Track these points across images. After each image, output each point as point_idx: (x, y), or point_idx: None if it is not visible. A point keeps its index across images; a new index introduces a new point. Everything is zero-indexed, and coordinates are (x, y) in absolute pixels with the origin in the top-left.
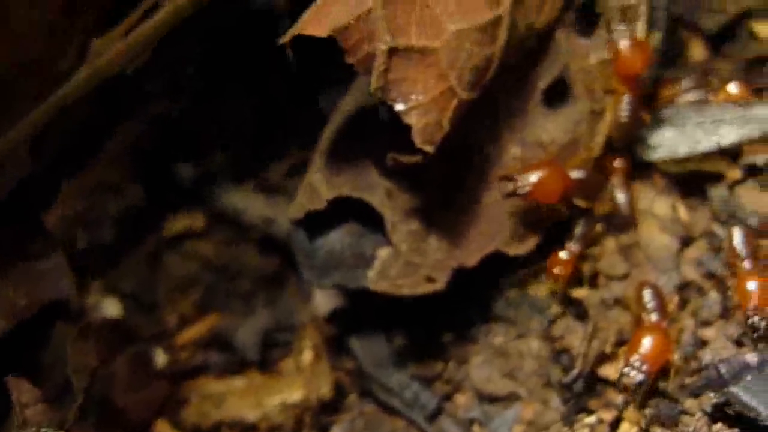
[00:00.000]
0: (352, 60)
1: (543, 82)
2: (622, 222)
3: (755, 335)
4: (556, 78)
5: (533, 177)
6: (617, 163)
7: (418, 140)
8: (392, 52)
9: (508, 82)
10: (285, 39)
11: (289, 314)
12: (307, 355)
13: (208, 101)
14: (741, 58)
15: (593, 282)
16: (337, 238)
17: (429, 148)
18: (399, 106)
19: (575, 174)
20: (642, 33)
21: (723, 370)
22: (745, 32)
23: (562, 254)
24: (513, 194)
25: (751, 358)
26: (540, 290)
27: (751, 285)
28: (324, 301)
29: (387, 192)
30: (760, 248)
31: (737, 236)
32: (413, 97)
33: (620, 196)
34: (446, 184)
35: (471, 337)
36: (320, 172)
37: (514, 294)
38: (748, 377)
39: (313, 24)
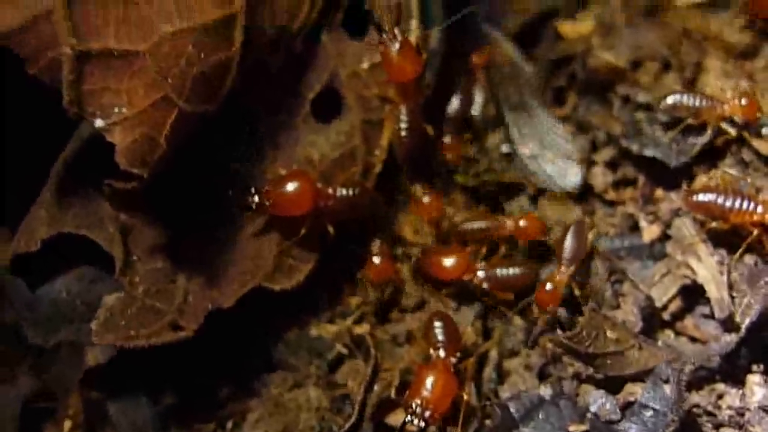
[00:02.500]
0: (33, 70)
1: (311, 92)
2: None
3: None
4: (325, 86)
5: (277, 189)
6: None
7: (123, 161)
8: (83, 57)
9: (269, 92)
10: None
11: (59, 377)
12: (67, 425)
13: None
14: (546, 58)
15: (385, 315)
16: (63, 286)
17: (140, 171)
18: (99, 122)
19: (342, 191)
20: (415, 34)
21: (513, 409)
22: (550, 33)
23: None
24: (251, 208)
25: (545, 391)
26: (322, 329)
27: None
28: (94, 358)
29: (123, 227)
30: None
31: None
32: (116, 110)
33: None
34: (199, 213)
35: (250, 388)
36: (45, 209)
37: (293, 336)
38: (540, 415)
39: None
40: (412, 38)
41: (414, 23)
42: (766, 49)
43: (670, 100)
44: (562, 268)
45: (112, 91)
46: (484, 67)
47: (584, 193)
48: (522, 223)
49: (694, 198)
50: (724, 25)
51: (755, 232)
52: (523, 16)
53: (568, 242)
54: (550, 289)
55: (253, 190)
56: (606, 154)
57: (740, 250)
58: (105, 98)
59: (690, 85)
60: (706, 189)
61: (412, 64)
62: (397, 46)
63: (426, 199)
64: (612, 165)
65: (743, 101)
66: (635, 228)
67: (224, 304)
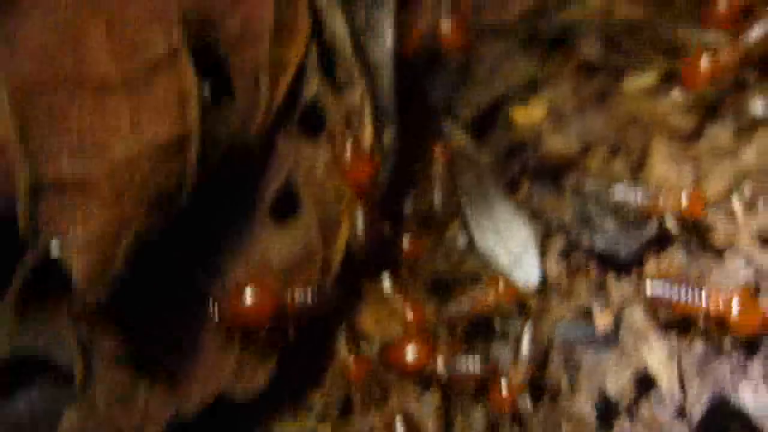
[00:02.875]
0: None
1: (269, 194)
2: None
3: None
4: (282, 187)
5: (237, 303)
6: None
7: (80, 285)
8: (38, 186)
9: (226, 196)
10: None
11: None
12: None
13: None
14: (500, 146)
15: (348, 409)
16: (25, 404)
17: (97, 293)
18: (54, 249)
19: (301, 294)
20: (368, 139)
21: None
22: (503, 120)
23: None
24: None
25: None
26: (285, 429)
27: None
28: None
29: (83, 341)
30: None
31: None
32: (71, 235)
33: None
34: (159, 321)
35: None
36: (2, 326)
37: None
38: None
39: None
40: (366, 138)
41: (367, 123)
42: (710, 132)
43: (616, 192)
44: (518, 371)
45: (68, 218)
46: (445, 160)
47: (540, 282)
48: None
49: (650, 290)
50: (670, 109)
51: (702, 320)
52: (477, 105)
53: (524, 344)
54: (505, 392)
55: (212, 302)
56: (559, 242)
57: (690, 337)
58: (60, 225)
59: (637, 170)
60: (658, 278)
61: (364, 165)
62: (349, 147)
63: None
64: (564, 253)
65: (687, 200)
66: (588, 316)
67: (186, 411)
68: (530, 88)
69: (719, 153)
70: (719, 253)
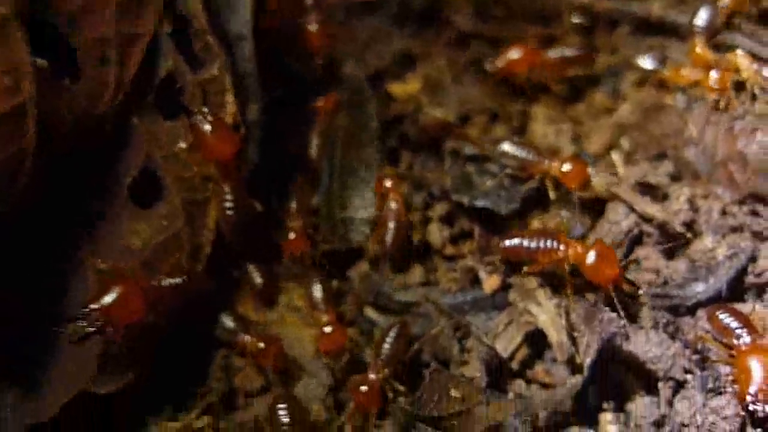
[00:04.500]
0: None
1: (127, 177)
2: None
3: None
4: (142, 170)
5: (103, 302)
6: None
7: None
8: None
9: (82, 181)
10: None
11: None
12: None
13: None
14: (379, 119)
15: (232, 402)
16: None
17: None
18: None
19: (169, 281)
20: (230, 114)
21: None
22: (381, 94)
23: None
24: (85, 337)
25: None
26: (162, 428)
27: None
28: None
29: None
30: None
31: None
32: None
33: None
34: (13, 322)
35: None
36: None
37: None
38: None
39: None
40: (228, 113)
41: (229, 98)
42: (589, 94)
43: (504, 146)
44: (378, 370)
45: None
46: (330, 111)
47: (425, 251)
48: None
49: (503, 245)
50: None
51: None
52: (351, 82)
53: (387, 344)
54: (365, 392)
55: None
56: (441, 209)
57: (568, 291)
58: None
59: (517, 134)
60: (512, 235)
61: (227, 142)
62: (210, 124)
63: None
64: (448, 220)
65: (568, 168)
66: (476, 281)
67: (44, 416)
68: (406, 63)
69: (598, 112)
70: (602, 204)
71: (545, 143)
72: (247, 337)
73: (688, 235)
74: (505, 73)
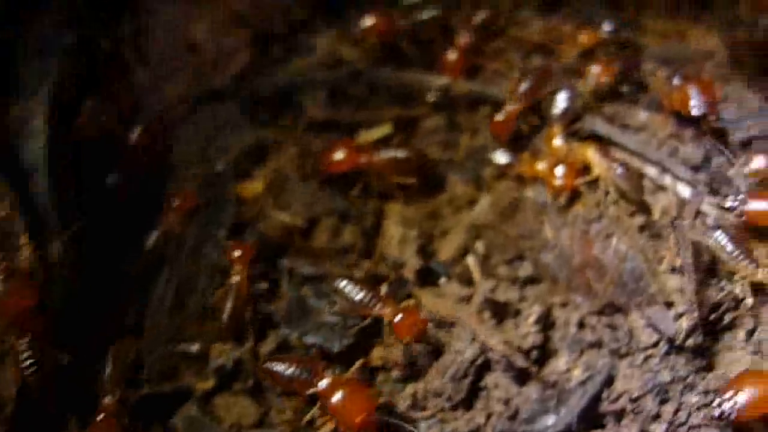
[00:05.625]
0: None
1: None
2: None
3: None
4: None
5: None
6: None
7: None
8: None
9: None
10: None
11: None
12: None
13: None
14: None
15: None
16: None
17: None
18: None
19: None
20: (25, 254)
21: None
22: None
23: None
24: None
25: None
26: None
27: None
28: None
29: None
30: None
31: None
32: None
33: None
34: None
35: None
36: None
37: None
38: None
39: None
40: (23, 259)
41: (23, 240)
42: (451, 182)
43: (339, 284)
44: None
45: None
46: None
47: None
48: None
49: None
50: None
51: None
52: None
53: None
54: None
55: None
56: (272, 341)
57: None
58: None
59: (371, 236)
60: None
61: (20, 296)
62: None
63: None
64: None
65: (400, 320)
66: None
67: None
68: (259, 156)
69: (459, 206)
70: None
71: (393, 255)
72: None
73: (532, 369)
74: (332, 171)
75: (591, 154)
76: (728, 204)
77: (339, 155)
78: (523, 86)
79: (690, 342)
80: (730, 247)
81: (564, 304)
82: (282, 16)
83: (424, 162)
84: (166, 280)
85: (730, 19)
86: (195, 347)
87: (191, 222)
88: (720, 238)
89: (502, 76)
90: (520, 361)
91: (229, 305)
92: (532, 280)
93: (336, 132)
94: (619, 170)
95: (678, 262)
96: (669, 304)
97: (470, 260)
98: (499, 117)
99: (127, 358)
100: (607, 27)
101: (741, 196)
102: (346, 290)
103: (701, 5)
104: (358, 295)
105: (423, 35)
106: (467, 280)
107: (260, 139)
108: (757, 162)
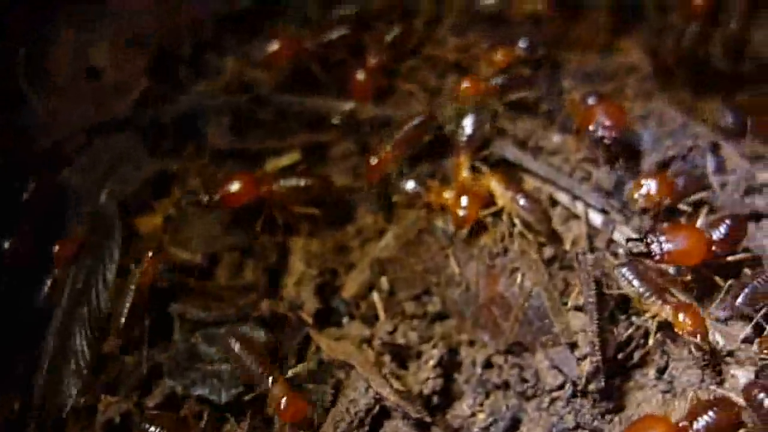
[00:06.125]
0: None
1: None
2: None
3: None
4: None
5: None
6: None
7: None
8: None
9: None
10: None
11: None
12: None
13: None
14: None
15: None
16: None
17: None
18: None
19: None
20: None
21: None
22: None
23: None
24: None
25: None
26: None
27: None
28: None
29: None
30: None
31: None
32: None
33: None
34: None
35: None
36: None
37: None
38: None
39: None
40: None
41: None
42: (360, 214)
43: (231, 342)
44: None
45: None
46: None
47: None
48: None
49: None
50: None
51: None
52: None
53: None
54: None
55: None
56: (159, 393)
57: None
58: None
59: (276, 272)
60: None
61: None
62: None
63: None
64: (169, 406)
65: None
66: None
67: None
68: (158, 188)
69: (367, 238)
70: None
71: (291, 296)
72: None
73: (427, 419)
74: (231, 205)
75: (494, 184)
76: (651, 249)
77: (235, 187)
78: (399, 135)
79: (592, 386)
80: (636, 283)
81: (471, 343)
82: (189, 36)
83: (329, 190)
84: (55, 330)
85: (662, 28)
86: (82, 400)
87: (78, 267)
88: (627, 274)
89: (414, 98)
90: (414, 411)
91: (126, 305)
92: (439, 317)
93: (241, 161)
94: (522, 201)
95: (581, 301)
96: (573, 345)
97: (375, 297)
98: (373, 161)
99: (12, 414)
100: (522, 44)
101: (661, 239)
102: (238, 353)
103: (638, 15)
104: (249, 361)
105: (333, 56)
106: (372, 318)
107: (161, 170)
108: (646, 188)
